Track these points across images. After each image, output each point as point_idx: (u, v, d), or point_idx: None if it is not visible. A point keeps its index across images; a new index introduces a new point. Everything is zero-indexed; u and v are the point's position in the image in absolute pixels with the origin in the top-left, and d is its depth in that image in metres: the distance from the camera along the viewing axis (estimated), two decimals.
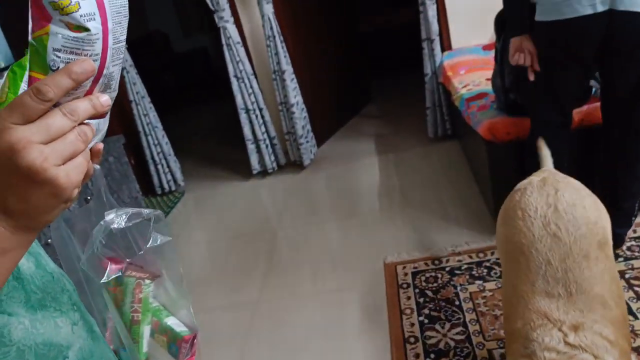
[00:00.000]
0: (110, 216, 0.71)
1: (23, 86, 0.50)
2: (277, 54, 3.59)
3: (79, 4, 0.47)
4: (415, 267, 2.46)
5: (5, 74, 0.53)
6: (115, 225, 0.70)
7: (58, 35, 0.47)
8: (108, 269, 0.77)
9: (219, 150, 4.83)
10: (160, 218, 0.79)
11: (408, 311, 2.21)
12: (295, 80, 3.69)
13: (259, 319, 2.43)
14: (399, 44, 5.66)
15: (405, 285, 2.36)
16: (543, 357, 1.19)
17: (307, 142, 3.82)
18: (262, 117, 3.78)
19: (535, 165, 2.21)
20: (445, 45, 3.58)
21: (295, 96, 3.69)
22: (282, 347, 2.24)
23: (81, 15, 0.47)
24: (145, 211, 0.76)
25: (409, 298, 2.28)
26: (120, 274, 0.78)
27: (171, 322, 0.81)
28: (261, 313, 2.46)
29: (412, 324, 2.13)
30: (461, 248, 2.50)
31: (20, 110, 0.45)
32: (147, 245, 0.79)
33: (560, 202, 1.45)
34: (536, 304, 1.30)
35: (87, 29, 0.47)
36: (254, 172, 3.89)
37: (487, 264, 2.36)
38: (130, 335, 0.80)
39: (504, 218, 1.57)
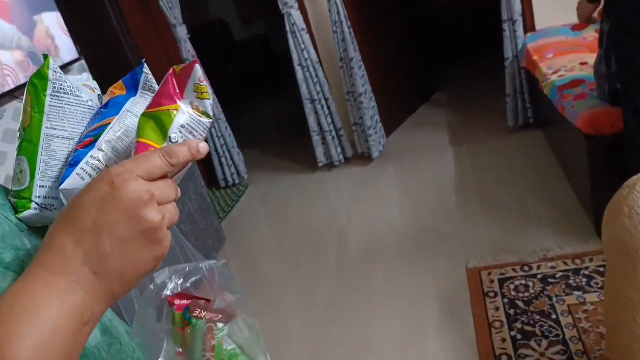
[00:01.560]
0: (161, 278, 0.58)
1: (107, 137, 0.54)
2: (344, 40, 3.40)
3: (210, 95, 0.54)
4: (502, 274, 2.24)
5: (26, 89, 0.56)
6: (169, 292, 0.57)
7: (186, 114, 0.53)
8: (174, 306, 0.64)
9: (283, 142, 4.72)
10: (226, 269, 0.65)
11: (497, 324, 2.00)
12: (363, 67, 3.50)
13: (330, 322, 2.28)
14: (471, 25, 5.34)
15: (492, 294, 2.15)
16: None
17: (376, 133, 3.63)
18: (328, 107, 3.62)
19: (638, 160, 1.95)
20: (529, 26, 3.28)
21: (363, 85, 3.50)
22: (355, 354, 2.09)
23: (210, 105, 0.55)
24: (206, 265, 0.63)
25: (497, 309, 2.07)
26: (186, 311, 0.65)
27: (230, 348, 0.66)
28: (333, 316, 2.32)
29: (504, 340, 1.92)
30: (554, 253, 2.26)
31: (148, 167, 0.46)
32: (215, 307, 0.65)
33: None
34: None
35: (209, 117, 0.55)
36: (320, 164, 3.74)
37: (586, 272, 2.11)
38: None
39: (610, 216, 1.36)
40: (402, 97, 4.15)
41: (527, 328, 1.94)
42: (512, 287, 2.16)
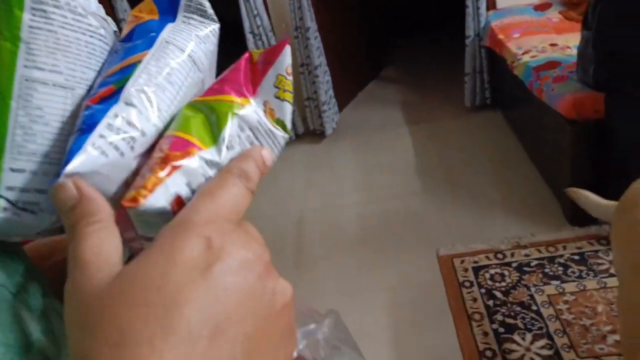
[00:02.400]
0: None
1: (139, 83, 0.32)
2: (300, 7, 3.17)
3: (292, 97, 0.38)
4: (475, 262, 2.16)
5: None
6: None
7: (254, 114, 0.35)
8: None
9: None
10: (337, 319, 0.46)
11: (477, 316, 1.91)
12: (319, 38, 3.28)
13: None
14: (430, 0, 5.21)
15: (467, 284, 2.06)
16: None
17: (330, 109, 3.44)
18: None
19: (624, 147, 1.91)
20: (490, 3, 3.18)
21: (318, 57, 3.29)
22: None
23: (290, 112, 0.37)
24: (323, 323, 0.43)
25: (475, 300, 1.98)
26: None
27: None
28: None
29: (486, 333, 1.84)
30: (527, 240, 2.20)
31: (232, 202, 0.30)
32: None
33: None
34: None
35: (286, 130, 0.38)
36: None
37: (561, 261, 2.06)
38: None
39: (621, 213, 1.29)
40: (354, 71, 3.98)
41: (508, 320, 1.87)
42: (487, 276, 2.08)
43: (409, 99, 3.85)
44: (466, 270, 2.13)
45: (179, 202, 0.31)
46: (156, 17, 0.39)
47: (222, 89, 0.35)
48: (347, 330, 0.44)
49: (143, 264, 0.26)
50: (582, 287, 1.93)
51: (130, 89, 0.31)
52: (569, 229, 2.20)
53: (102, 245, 0.27)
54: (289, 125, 0.38)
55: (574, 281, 1.96)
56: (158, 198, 0.30)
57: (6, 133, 0.31)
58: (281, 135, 0.37)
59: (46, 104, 0.31)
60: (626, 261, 1.26)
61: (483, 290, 2.01)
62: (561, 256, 2.09)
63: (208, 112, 0.34)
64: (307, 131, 3.59)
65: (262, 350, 0.27)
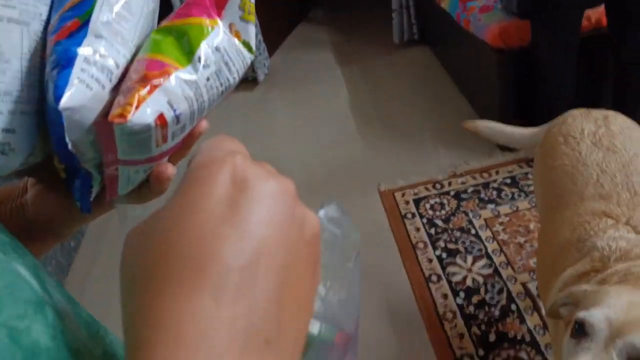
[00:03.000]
0: None
1: (104, 15, 0.32)
2: None
3: (255, 19, 0.39)
4: (415, 194, 2.23)
5: None
6: None
7: (225, 36, 0.36)
8: None
9: None
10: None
11: (421, 245, 2.00)
12: None
13: None
14: None
15: (409, 215, 2.14)
16: (608, 247, 1.03)
17: (260, 54, 3.37)
18: None
19: (548, 74, 2.00)
20: None
21: None
22: None
23: (253, 33, 0.39)
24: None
25: (417, 230, 2.07)
26: None
27: None
28: None
29: (430, 260, 1.93)
30: (462, 169, 2.29)
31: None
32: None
33: (613, 124, 1.30)
34: (589, 207, 1.14)
35: (251, 51, 0.39)
36: None
37: (495, 185, 2.18)
38: None
39: (542, 151, 1.40)
40: (282, 14, 3.88)
41: (450, 246, 1.97)
42: (427, 206, 2.16)
43: (338, 39, 3.82)
44: (407, 202, 2.20)
45: (162, 121, 0.32)
46: None
47: (189, 12, 0.35)
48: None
49: (173, 213, 0.25)
50: (515, 208, 2.05)
51: (97, 21, 0.31)
52: (500, 154, 2.31)
53: None
54: (254, 46, 0.38)
55: (507, 203, 2.08)
56: (144, 113, 0.30)
57: None
58: (249, 56, 0.38)
59: (3, 41, 0.30)
60: (543, 201, 1.36)
61: (425, 220, 2.10)
62: (494, 181, 2.20)
63: (177, 34, 0.34)
64: None
65: (293, 280, 0.26)
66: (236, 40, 0.37)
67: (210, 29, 0.35)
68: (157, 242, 0.25)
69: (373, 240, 2.08)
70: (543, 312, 1.64)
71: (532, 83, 2.07)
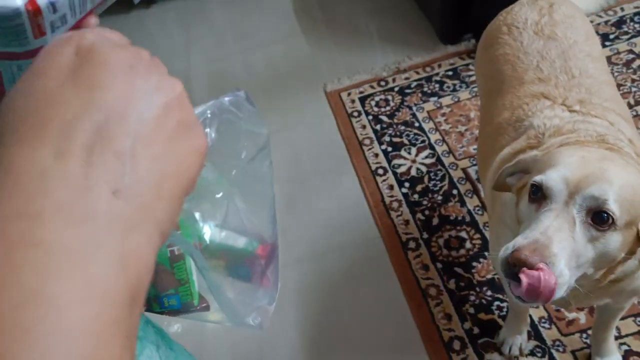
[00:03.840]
0: None
1: None
2: None
3: None
4: (361, 92, 2.26)
5: None
6: None
7: None
8: None
9: None
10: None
11: (367, 141, 2.05)
12: None
13: None
14: None
15: (355, 114, 2.18)
16: (543, 125, 1.10)
17: None
18: None
19: None
20: None
21: None
22: None
23: None
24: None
25: (364, 127, 2.11)
26: None
27: (222, 236, 0.53)
28: None
29: (376, 155, 2.00)
30: (405, 64, 2.31)
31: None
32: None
33: (557, 13, 1.33)
34: (528, 90, 1.20)
35: None
36: (136, 0, 3.25)
37: (437, 79, 2.21)
38: (175, 278, 0.53)
39: (485, 41, 1.44)
40: None
41: (395, 140, 2.03)
42: (373, 103, 2.20)
43: None
44: (353, 101, 2.23)
45: (34, 6, 0.31)
46: None
47: None
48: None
49: (18, 82, 0.27)
50: (456, 99, 2.11)
51: None
52: (442, 47, 2.33)
53: None
54: None
55: (449, 95, 2.13)
56: None
57: None
58: None
59: None
60: (483, 88, 1.41)
61: (370, 117, 2.14)
62: (437, 74, 2.23)
63: None
64: None
65: (155, 147, 0.27)
66: None
67: None
68: (3, 106, 0.26)
69: (321, 139, 2.13)
70: (482, 194, 1.75)
71: None
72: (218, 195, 0.48)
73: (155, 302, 0.52)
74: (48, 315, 0.21)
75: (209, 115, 0.43)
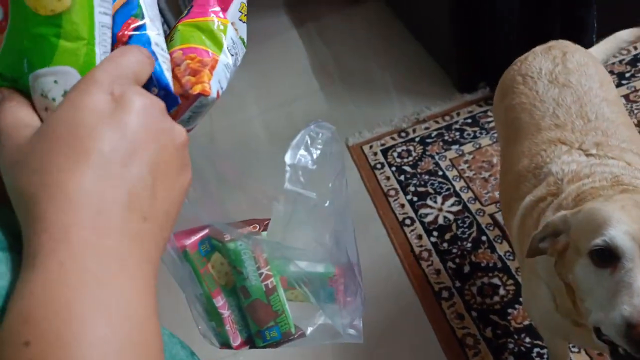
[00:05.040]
0: None
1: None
2: None
3: (246, 19, 0.50)
4: (382, 144, 2.30)
5: None
6: None
7: (234, 32, 0.47)
8: (185, 248, 0.53)
9: None
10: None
11: (392, 192, 2.08)
12: None
13: None
14: None
15: (379, 166, 2.21)
16: (562, 171, 1.11)
17: None
18: None
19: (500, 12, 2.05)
20: None
21: None
22: None
23: (246, 30, 0.50)
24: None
25: (388, 178, 2.15)
26: (200, 246, 0.53)
27: (302, 266, 0.56)
28: None
29: (402, 205, 2.02)
30: (424, 115, 2.36)
31: (134, 67, 0.37)
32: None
33: (570, 62, 1.37)
34: (545, 136, 1.22)
35: (245, 44, 0.50)
36: None
37: (457, 127, 2.25)
38: (272, 310, 0.56)
39: (502, 91, 1.48)
40: None
41: (420, 189, 2.05)
42: (395, 154, 2.24)
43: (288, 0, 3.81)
44: (375, 154, 2.27)
45: (219, 95, 0.44)
46: None
47: (205, 12, 0.46)
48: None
49: (56, 115, 0.32)
50: (477, 146, 2.14)
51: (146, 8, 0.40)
52: (459, 96, 2.38)
53: (16, 114, 0.33)
54: (246, 41, 0.50)
55: (470, 142, 2.17)
56: (213, 89, 0.42)
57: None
58: (243, 48, 0.49)
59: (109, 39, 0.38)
60: (502, 136, 1.44)
61: (394, 169, 2.18)
62: (456, 122, 2.28)
63: (202, 29, 0.44)
64: None
65: (163, 175, 0.34)
66: (237, 35, 0.48)
67: (225, 26, 0.45)
68: (44, 134, 0.31)
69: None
70: (511, 240, 1.75)
71: (485, 23, 2.12)
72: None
73: (258, 337, 0.55)
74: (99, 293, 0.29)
75: (308, 140, 0.52)
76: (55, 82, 0.34)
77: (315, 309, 0.55)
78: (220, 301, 0.54)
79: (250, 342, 0.56)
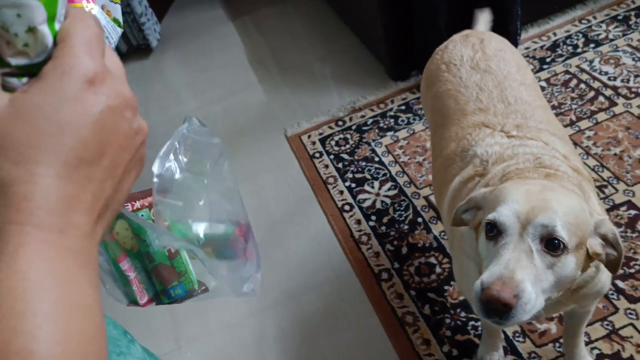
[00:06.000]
0: None
1: None
2: None
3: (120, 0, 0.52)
4: (320, 134, 2.34)
5: None
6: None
7: (102, 15, 0.48)
8: None
9: None
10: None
11: (331, 180, 2.12)
12: None
13: None
14: None
15: (317, 155, 2.25)
16: (486, 153, 1.18)
17: (149, 20, 3.28)
18: None
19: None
20: None
21: None
22: None
23: (120, 11, 0.52)
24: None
25: (327, 166, 2.18)
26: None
27: (202, 228, 0.59)
28: None
29: (341, 192, 2.06)
30: (360, 103, 2.41)
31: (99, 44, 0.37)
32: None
33: (488, 48, 1.44)
34: (470, 120, 1.29)
35: (120, 25, 0.51)
36: None
37: (392, 114, 2.31)
38: (175, 271, 0.59)
39: (427, 80, 1.53)
40: None
41: (358, 175, 2.10)
42: (333, 143, 2.27)
43: None
44: (314, 143, 2.30)
45: None
46: None
47: None
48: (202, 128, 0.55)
49: (37, 97, 0.32)
50: (411, 132, 2.20)
51: None
52: (393, 84, 2.44)
53: None
54: (121, 21, 0.50)
55: (404, 128, 2.23)
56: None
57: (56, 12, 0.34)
58: (119, 29, 0.49)
59: None
60: (431, 122, 1.50)
61: (332, 157, 2.21)
62: (391, 110, 2.33)
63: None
64: (131, 48, 3.42)
65: (123, 173, 0.35)
66: (108, 17, 0.49)
67: (90, 8, 0.45)
68: (23, 120, 0.31)
69: (287, 183, 2.18)
70: (443, 221, 1.82)
71: (414, 13, 2.18)
72: (201, 203, 0.55)
73: (163, 295, 0.59)
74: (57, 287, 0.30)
75: (177, 145, 0.51)
76: (19, 15, 0.32)
77: (217, 264, 0.57)
78: (125, 265, 0.57)
79: (157, 299, 0.59)
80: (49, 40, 0.34)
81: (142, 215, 0.55)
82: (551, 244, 0.86)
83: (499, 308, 0.83)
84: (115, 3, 0.49)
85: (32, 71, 0.34)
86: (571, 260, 0.87)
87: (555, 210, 0.87)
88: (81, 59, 0.33)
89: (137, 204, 0.55)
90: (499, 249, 0.88)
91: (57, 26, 0.34)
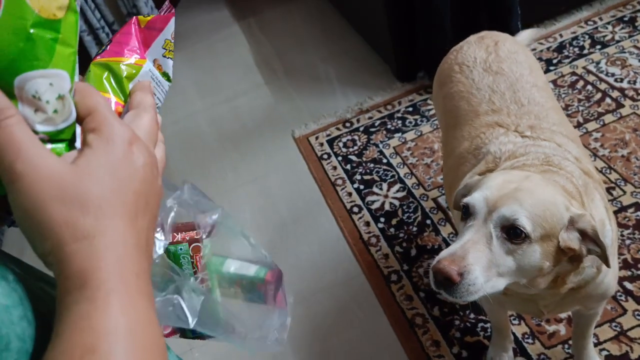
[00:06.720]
0: None
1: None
2: None
3: (174, 55, 0.51)
4: (328, 135, 2.35)
5: None
6: None
7: (149, 72, 0.49)
8: None
9: None
10: (194, 189, 0.59)
11: (340, 182, 2.13)
12: None
13: None
14: None
15: (325, 156, 2.26)
16: (499, 150, 1.20)
17: None
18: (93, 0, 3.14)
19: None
20: None
21: None
22: None
23: (171, 66, 0.51)
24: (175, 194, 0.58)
25: (335, 168, 2.19)
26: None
27: (235, 267, 0.61)
28: None
29: (350, 193, 2.07)
30: (367, 104, 2.42)
31: (150, 131, 0.44)
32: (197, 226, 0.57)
33: (502, 50, 1.45)
34: (483, 121, 1.30)
35: (169, 80, 0.52)
36: None
37: (399, 115, 2.32)
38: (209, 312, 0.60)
39: (440, 80, 1.54)
40: None
41: (366, 177, 2.11)
42: (340, 144, 2.29)
43: None
44: (322, 144, 2.32)
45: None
46: None
47: (121, 51, 0.47)
48: (201, 192, 0.57)
49: (97, 160, 0.36)
50: (419, 133, 2.21)
51: None
52: (400, 85, 2.45)
53: (25, 133, 0.35)
54: (171, 75, 0.52)
55: (412, 130, 2.24)
56: None
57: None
58: (167, 84, 0.52)
59: None
60: (444, 123, 1.51)
61: (340, 158, 2.22)
62: (398, 111, 2.34)
63: (110, 70, 0.46)
64: None
65: (154, 217, 0.41)
66: (158, 72, 0.50)
67: (139, 68, 0.48)
68: (89, 176, 0.36)
69: (295, 184, 2.19)
70: (453, 221, 1.83)
71: (419, 13, 2.19)
72: (238, 243, 0.58)
73: (188, 330, 0.58)
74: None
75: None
76: (51, 84, 0.35)
77: (246, 307, 0.59)
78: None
79: (182, 332, 0.59)
80: (73, 107, 0.38)
81: (181, 249, 0.56)
82: (513, 232, 0.90)
83: (442, 281, 0.89)
84: (168, 58, 0.51)
85: (55, 137, 0.37)
86: (535, 249, 0.91)
87: (521, 202, 0.91)
88: (117, 126, 0.38)
89: (179, 237, 0.57)
90: (465, 229, 0.94)
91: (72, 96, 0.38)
